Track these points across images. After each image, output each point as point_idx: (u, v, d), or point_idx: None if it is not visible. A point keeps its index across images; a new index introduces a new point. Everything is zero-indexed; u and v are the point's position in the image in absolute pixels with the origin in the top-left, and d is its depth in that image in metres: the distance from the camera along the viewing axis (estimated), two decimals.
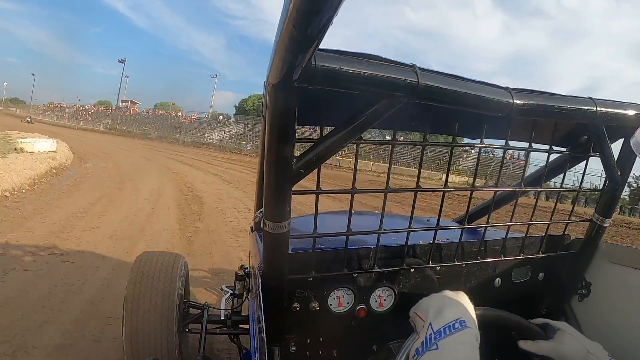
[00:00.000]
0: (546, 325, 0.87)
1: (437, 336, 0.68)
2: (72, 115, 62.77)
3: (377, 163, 27.25)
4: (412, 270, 1.06)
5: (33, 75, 75.50)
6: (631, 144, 0.62)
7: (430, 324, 0.72)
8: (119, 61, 55.81)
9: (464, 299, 0.79)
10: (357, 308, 1.03)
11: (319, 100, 0.74)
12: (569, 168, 1.14)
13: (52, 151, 11.06)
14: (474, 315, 0.75)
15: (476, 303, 0.81)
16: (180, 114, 56.39)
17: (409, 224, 0.99)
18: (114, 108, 59.86)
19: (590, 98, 0.86)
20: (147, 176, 10.39)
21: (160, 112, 58.85)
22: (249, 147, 35.36)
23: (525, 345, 0.86)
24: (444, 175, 1.04)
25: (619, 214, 18.22)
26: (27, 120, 43.75)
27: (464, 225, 1.11)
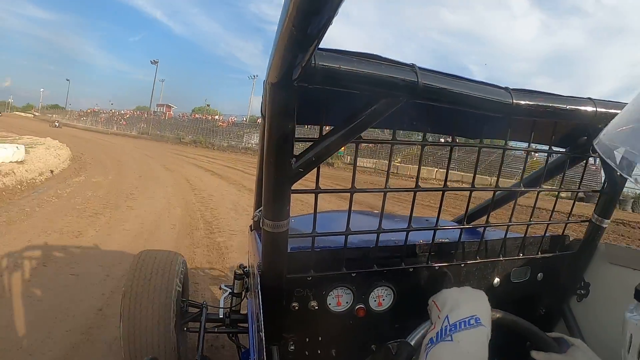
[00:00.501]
0: (561, 340, 0.87)
1: (453, 329, 0.72)
2: (107, 120, 61.14)
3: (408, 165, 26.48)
4: (411, 269, 1.06)
5: (68, 80, 76.20)
6: (595, 146, 0.62)
7: (447, 316, 0.75)
8: (152, 62, 53.51)
9: (482, 297, 0.83)
10: (356, 307, 1.03)
11: (319, 100, 0.74)
12: (569, 168, 1.14)
13: (17, 162, 8.01)
14: (489, 315, 0.78)
15: None
16: (217, 117, 54.49)
17: (408, 224, 0.99)
18: (149, 112, 57.81)
19: (589, 99, 0.86)
20: (147, 201, 6.81)
21: (197, 115, 56.53)
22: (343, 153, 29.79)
23: (537, 356, 0.87)
24: (492, 179, 1.05)
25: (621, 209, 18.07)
26: (55, 125, 45.46)
27: (463, 225, 1.11)
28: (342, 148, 0.79)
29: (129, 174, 10.50)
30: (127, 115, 61.67)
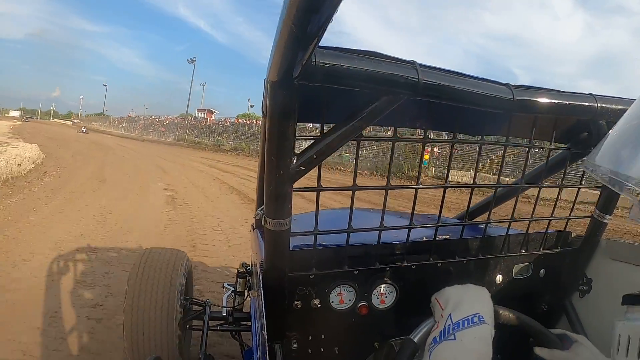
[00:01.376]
0: (564, 336, 0.87)
1: (456, 327, 0.72)
2: (147, 127, 57.57)
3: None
4: (414, 267, 1.06)
5: (105, 85, 76.11)
6: (585, 167, 0.63)
7: (450, 315, 0.75)
8: (189, 61, 47.83)
9: (485, 294, 0.83)
10: (359, 305, 1.03)
11: (320, 98, 0.74)
12: (570, 164, 1.14)
13: None
14: (492, 312, 0.78)
15: None
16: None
17: (410, 221, 0.99)
18: (189, 119, 53.62)
19: (590, 94, 0.86)
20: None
21: (240, 121, 51.09)
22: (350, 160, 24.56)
23: (541, 352, 0.87)
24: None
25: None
26: (82, 130, 46.92)
27: (465, 221, 1.11)
28: (347, 152, 0.79)
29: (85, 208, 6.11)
30: (167, 122, 58.03)
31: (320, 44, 0.50)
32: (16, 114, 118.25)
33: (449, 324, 0.73)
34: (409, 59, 0.66)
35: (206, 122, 54.49)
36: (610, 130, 0.64)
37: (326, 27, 0.44)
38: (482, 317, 0.73)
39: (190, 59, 46.96)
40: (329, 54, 0.58)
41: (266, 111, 0.66)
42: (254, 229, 1.54)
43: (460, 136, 0.95)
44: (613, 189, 0.57)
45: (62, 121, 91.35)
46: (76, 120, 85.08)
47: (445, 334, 0.72)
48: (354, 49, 0.61)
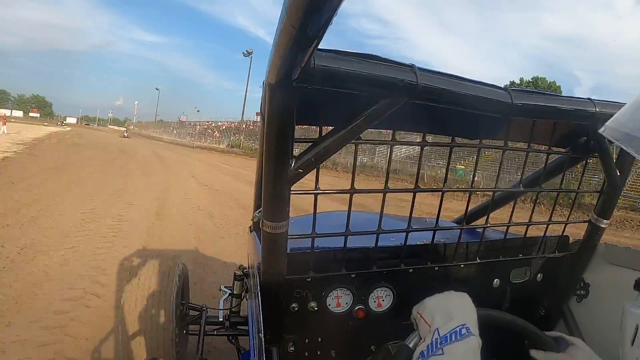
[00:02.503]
0: (560, 339, 0.87)
1: (443, 341, 0.70)
2: (202, 132, 52.68)
3: None
4: (411, 270, 1.05)
5: (157, 89, 75.62)
6: (603, 134, 0.62)
7: (437, 329, 0.74)
8: (244, 54, 40.55)
9: (468, 302, 0.81)
10: (356, 308, 1.02)
11: (318, 100, 0.74)
12: (568, 169, 1.14)
13: None
14: (475, 319, 0.77)
15: (475, 304, 0.81)
16: None
17: (408, 224, 0.99)
18: (247, 124, 48.25)
19: (589, 99, 0.86)
20: None
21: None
22: (464, 173, 20.11)
23: (537, 355, 0.87)
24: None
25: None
26: (124, 135, 47.14)
27: (463, 225, 1.11)
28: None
29: None
30: (223, 127, 53.07)
31: (319, 47, 0.50)
32: (73, 120, 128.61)
33: (436, 338, 0.72)
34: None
35: None
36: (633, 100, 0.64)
37: (326, 30, 0.44)
38: (469, 328, 0.72)
39: (246, 51, 41.30)
40: (328, 57, 0.58)
41: (265, 113, 0.66)
42: (251, 231, 1.54)
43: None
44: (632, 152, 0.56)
45: (116, 127, 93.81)
46: (131, 127, 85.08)
47: (433, 349, 0.70)
48: (353, 52, 0.61)
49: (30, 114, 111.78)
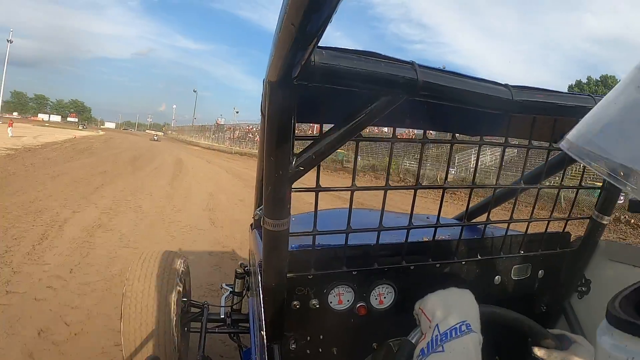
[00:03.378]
0: (563, 337, 0.87)
1: (444, 338, 0.70)
2: (241, 136, 48.66)
3: None
4: (412, 267, 1.06)
5: (195, 91, 75.72)
6: (561, 146, 0.57)
7: (437, 325, 0.74)
8: None
9: (470, 299, 0.81)
10: (357, 306, 1.03)
11: (319, 98, 0.74)
12: (569, 165, 1.14)
13: None
14: (477, 317, 0.76)
15: (477, 300, 0.81)
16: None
17: (409, 221, 0.99)
18: (300, 128, 45.51)
19: (589, 95, 0.86)
20: None
21: (373, 130, 25.69)
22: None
23: (539, 352, 0.87)
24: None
25: None
26: (154, 139, 48.33)
27: (464, 222, 1.11)
28: (342, 149, 0.79)
29: None
30: None
31: (319, 44, 0.50)
32: (112, 125, 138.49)
33: (437, 335, 0.71)
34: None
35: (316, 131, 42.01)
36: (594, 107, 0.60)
37: (326, 27, 0.44)
38: (470, 325, 0.72)
39: None
40: (328, 54, 0.58)
41: (265, 111, 0.66)
42: (252, 229, 1.54)
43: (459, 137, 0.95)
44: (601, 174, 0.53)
45: (153, 132, 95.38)
46: (169, 132, 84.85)
47: (433, 346, 0.70)
48: (353, 49, 0.61)
49: (69, 119, 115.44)
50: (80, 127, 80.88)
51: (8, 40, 45.71)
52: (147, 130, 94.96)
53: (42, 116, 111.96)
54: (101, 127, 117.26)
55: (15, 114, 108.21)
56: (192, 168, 15.59)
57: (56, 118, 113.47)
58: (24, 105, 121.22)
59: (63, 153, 15.32)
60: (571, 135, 0.55)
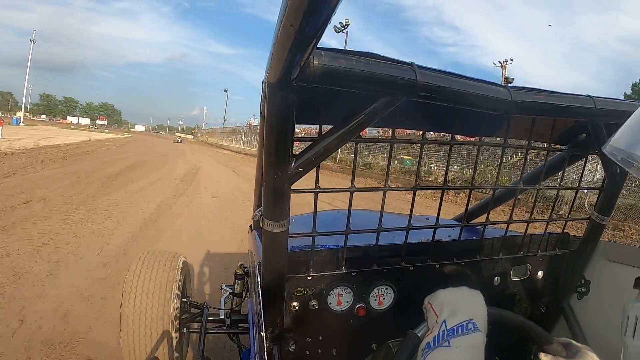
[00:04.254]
0: (569, 345, 0.88)
1: (450, 334, 0.71)
2: None
3: None
4: (412, 268, 1.06)
5: (225, 91, 75.33)
6: (606, 152, 0.59)
7: (444, 320, 0.75)
8: (336, 29, 28.61)
9: (479, 299, 0.82)
10: (357, 307, 1.03)
11: (318, 99, 0.74)
12: (568, 166, 1.14)
13: None
14: (485, 317, 0.78)
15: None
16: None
17: (408, 222, 0.99)
18: None
19: (588, 96, 0.86)
20: None
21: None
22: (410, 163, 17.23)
23: (545, 358, 0.87)
24: None
25: None
26: (177, 141, 49.39)
27: (463, 223, 1.11)
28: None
29: None
30: (303, 134, 37.93)
31: (318, 45, 0.50)
32: (142, 128, 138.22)
33: (443, 330, 0.73)
34: (408, 60, 0.66)
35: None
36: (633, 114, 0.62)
37: (325, 28, 0.44)
38: (476, 324, 0.73)
39: (340, 24, 29.73)
40: (327, 55, 0.58)
41: (264, 112, 0.66)
42: (252, 230, 1.54)
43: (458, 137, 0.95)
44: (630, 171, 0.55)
45: (182, 135, 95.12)
46: (199, 134, 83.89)
47: (440, 340, 0.71)
48: (352, 50, 0.61)
49: (98, 122, 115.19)
50: (91, 127, 79.95)
51: (31, 40, 45.00)
52: (176, 133, 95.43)
53: (71, 119, 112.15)
54: (131, 129, 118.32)
55: (43, 116, 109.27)
56: (209, 184, 10.32)
57: (85, 121, 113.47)
58: (53, 108, 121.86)
59: (39, 160, 11.08)
60: (615, 140, 0.56)
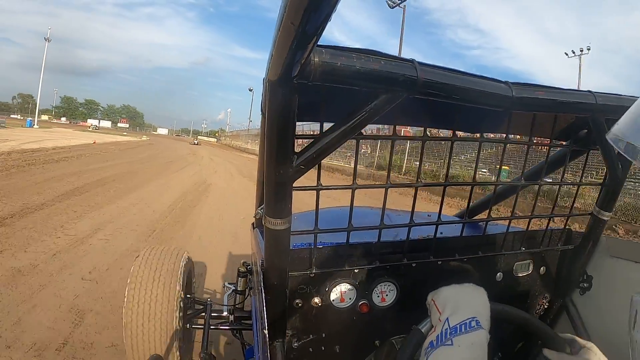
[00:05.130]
0: (573, 341, 0.88)
1: (453, 332, 0.71)
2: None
3: None
4: (414, 265, 1.06)
5: (250, 90, 74.63)
6: (608, 139, 0.59)
7: (447, 318, 0.75)
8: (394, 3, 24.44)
9: (482, 296, 0.82)
10: (359, 303, 1.03)
11: (319, 96, 0.74)
12: (570, 162, 1.14)
13: None
14: (488, 315, 0.77)
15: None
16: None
17: (410, 219, 0.99)
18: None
19: (589, 91, 0.86)
20: None
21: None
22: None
23: (550, 354, 0.88)
24: None
25: None
26: (194, 142, 51.12)
27: (465, 219, 1.11)
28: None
29: None
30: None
31: (319, 43, 0.50)
32: (164, 131, 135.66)
33: (446, 328, 0.73)
34: (408, 57, 0.66)
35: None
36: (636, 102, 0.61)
37: (325, 26, 0.44)
38: (479, 322, 0.73)
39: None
40: (328, 53, 0.58)
41: (265, 110, 0.66)
42: (254, 228, 1.55)
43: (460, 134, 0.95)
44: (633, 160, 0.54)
45: (206, 138, 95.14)
46: (222, 137, 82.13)
47: (442, 339, 0.71)
48: (353, 48, 0.61)
49: (119, 124, 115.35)
50: (91, 128, 76.55)
51: (46, 39, 44.38)
52: (199, 137, 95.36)
53: (91, 121, 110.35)
54: (153, 132, 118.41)
55: (63, 119, 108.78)
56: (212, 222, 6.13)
57: (106, 124, 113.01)
58: (74, 111, 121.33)
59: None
60: (617, 129, 0.56)
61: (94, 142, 24.01)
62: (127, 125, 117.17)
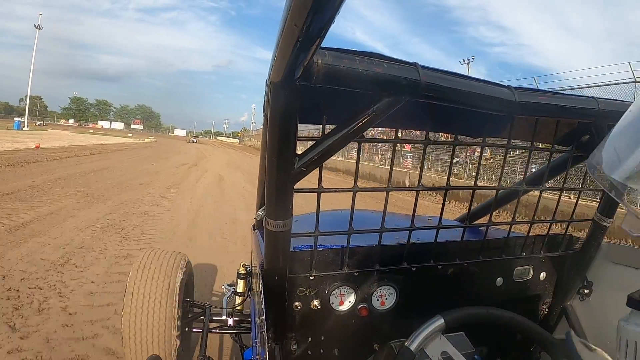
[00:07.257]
0: (568, 341, 0.87)
1: None
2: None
3: None
4: (414, 269, 1.05)
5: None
6: (587, 167, 0.59)
7: None
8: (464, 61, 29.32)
9: None
10: (359, 307, 1.03)
11: (321, 99, 0.74)
12: (571, 167, 1.14)
13: None
14: None
15: (478, 302, 0.81)
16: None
17: (411, 223, 0.99)
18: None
19: (592, 97, 0.86)
20: None
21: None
22: None
23: (546, 357, 0.87)
24: None
25: None
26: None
27: (466, 224, 1.11)
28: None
29: None
30: (369, 133, 22.82)
31: (322, 45, 0.50)
32: (182, 133, 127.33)
33: None
34: (409, 60, 0.66)
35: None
36: (610, 132, 0.63)
37: (328, 28, 0.44)
38: None
39: None
40: (331, 55, 0.58)
41: (267, 112, 0.66)
42: (254, 230, 1.54)
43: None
44: (610, 194, 0.53)
45: (226, 139, 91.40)
46: (245, 138, 77.97)
47: None
48: (356, 50, 0.61)
49: (132, 126, 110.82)
50: (130, 134, 63.67)
51: (36, 27, 43.11)
52: (218, 138, 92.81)
53: (102, 123, 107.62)
54: (170, 134, 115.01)
55: (71, 121, 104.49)
56: None
57: (118, 125, 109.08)
58: (84, 112, 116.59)
59: None
60: (592, 155, 0.57)
61: (37, 146, 16.92)
62: (141, 127, 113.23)
